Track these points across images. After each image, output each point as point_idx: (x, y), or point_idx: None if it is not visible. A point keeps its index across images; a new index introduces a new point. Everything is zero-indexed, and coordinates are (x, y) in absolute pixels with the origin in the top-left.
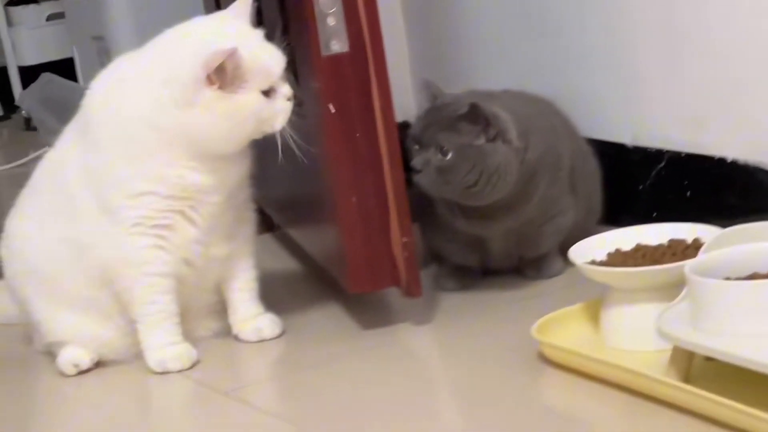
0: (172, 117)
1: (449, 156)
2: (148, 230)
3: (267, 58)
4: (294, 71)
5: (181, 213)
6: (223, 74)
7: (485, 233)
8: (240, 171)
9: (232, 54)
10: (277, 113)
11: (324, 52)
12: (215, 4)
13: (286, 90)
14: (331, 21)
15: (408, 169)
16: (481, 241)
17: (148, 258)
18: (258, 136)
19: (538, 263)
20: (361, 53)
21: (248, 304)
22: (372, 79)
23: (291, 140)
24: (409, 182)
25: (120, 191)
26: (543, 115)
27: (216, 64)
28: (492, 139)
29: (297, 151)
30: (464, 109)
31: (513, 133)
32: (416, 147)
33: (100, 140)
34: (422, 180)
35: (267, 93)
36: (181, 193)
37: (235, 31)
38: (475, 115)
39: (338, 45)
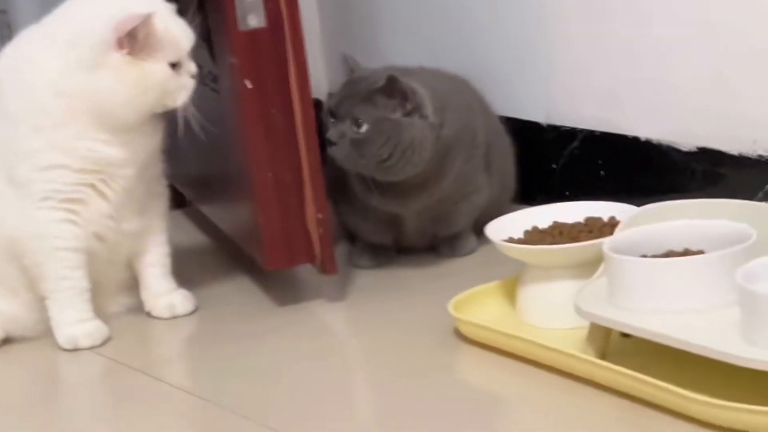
0: (78, 81)
1: (364, 128)
2: (58, 204)
3: (178, 31)
4: (209, 47)
5: (93, 187)
6: (134, 40)
7: (400, 210)
8: (151, 144)
9: (147, 20)
10: (180, 88)
11: (241, 27)
12: None
13: (191, 67)
14: None
15: (323, 142)
16: (395, 218)
17: (58, 232)
18: (160, 109)
19: (453, 241)
20: (278, 29)
21: (160, 280)
22: (289, 55)
23: (193, 118)
24: (324, 158)
25: (30, 164)
26: (458, 92)
27: (129, 28)
28: (408, 114)
29: (197, 130)
30: (381, 83)
31: (429, 109)
32: (332, 120)
33: (9, 112)
34: (337, 153)
35: (174, 66)
36: (92, 166)
37: (147, 1)
38: (392, 88)
39: (255, 20)
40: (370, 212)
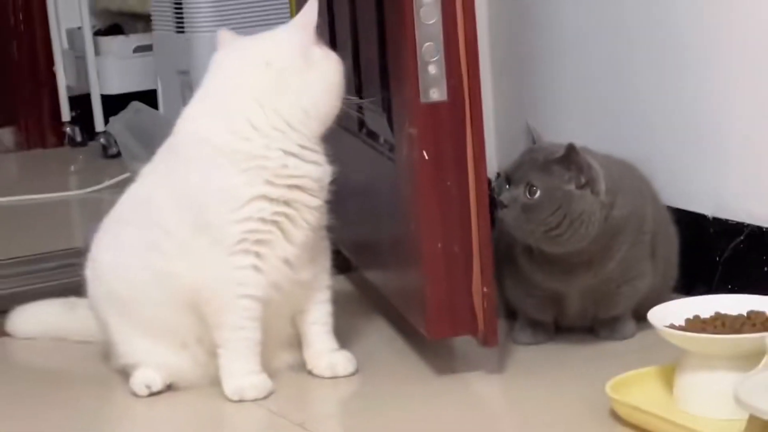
0: (284, 92)
1: (537, 195)
2: (250, 247)
3: None
4: (388, 117)
5: (281, 228)
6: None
7: (563, 288)
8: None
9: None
10: None
11: (423, 100)
12: None
13: None
14: (432, 69)
15: (493, 218)
16: (558, 296)
17: (245, 279)
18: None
19: (612, 324)
20: (459, 103)
21: (323, 338)
22: (467, 129)
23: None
24: (492, 222)
25: (226, 206)
26: (630, 177)
27: (315, 12)
28: (581, 187)
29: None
30: (561, 152)
31: (602, 186)
32: (506, 186)
33: (192, 159)
34: (507, 216)
35: None
36: (286, 188)
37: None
38: (569, 159)
39: (437, 93)
40: (535, 288)
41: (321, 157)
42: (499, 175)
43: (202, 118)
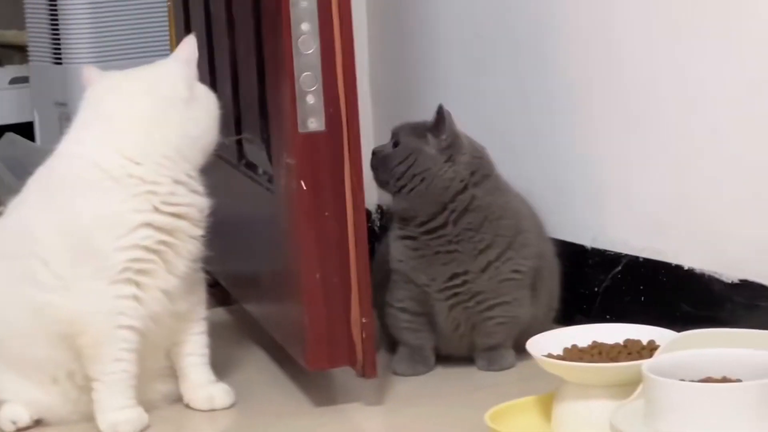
0: (173, 120)
1: (397, 147)
2: (132, 276)
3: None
4: (267, 147)
5: (164, 258)
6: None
7: (429, 280)
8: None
9: (191, 39)
10: None
11: (301, 130)
12: None
13: None
14: (310, 99)
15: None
16: (431, 314)
17: (125, 309)
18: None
19: (491, 354)
20: (337, 133)
21: (200, 370)
22: (345, 159)
23: None
24: (371, 252)
25: (111, 231)
26: (522, 201)
27: (194, 47)
28: (440, 150)
29: None
30: (434, 117)
31: (463, 158)
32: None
33: (77, 185)
34: (373, 162)
35: None
36: (170, 217)
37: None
38: (438, 120)
39: (316, 123)
40: (408, 304)
41: (202, 188)
42: (379, 207)
43: (90, 144)
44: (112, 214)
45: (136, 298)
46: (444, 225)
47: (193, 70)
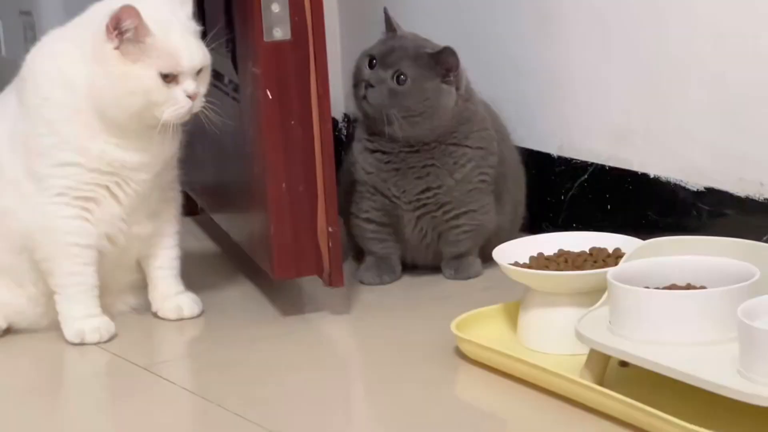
0: (83, 73)
1: (406, 84)
2: (71, 201)
3: (180, 46)
4: (233, 57)
5: (106, 188)
6: (120, 31)
7: (399, 192)
8: (166, 153)
9: (129, 10)
10: (169, 102)
11: (266, 38)
12: None
13: (190, 86)
14: (275, 8)
15: (338, 157)
16: (397, 222)
17: (71, 228)
18: (150, 119)
19: (458, 263)
20: (302, 42)
21: (169, 282)
22: (311, 68)
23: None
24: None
25: (45, 159)
26: (487, 109)
27: (119, 16)
28: (447, 83)
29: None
30: (438, 48)
31: (463, 84)
32: (372, 64)
33: (30, 107)
34: (371, 95)
35: (167, 78)
36: (105, 167)
37: (155, 9)
38: (446, 58)
39: (281, 32)
40: (374, 215)
41: (147, 144)
42: (346, 116)
43: (45, 63)
44: (46, 146)
45: (82, 218)
46: (431, 142)
47: None
